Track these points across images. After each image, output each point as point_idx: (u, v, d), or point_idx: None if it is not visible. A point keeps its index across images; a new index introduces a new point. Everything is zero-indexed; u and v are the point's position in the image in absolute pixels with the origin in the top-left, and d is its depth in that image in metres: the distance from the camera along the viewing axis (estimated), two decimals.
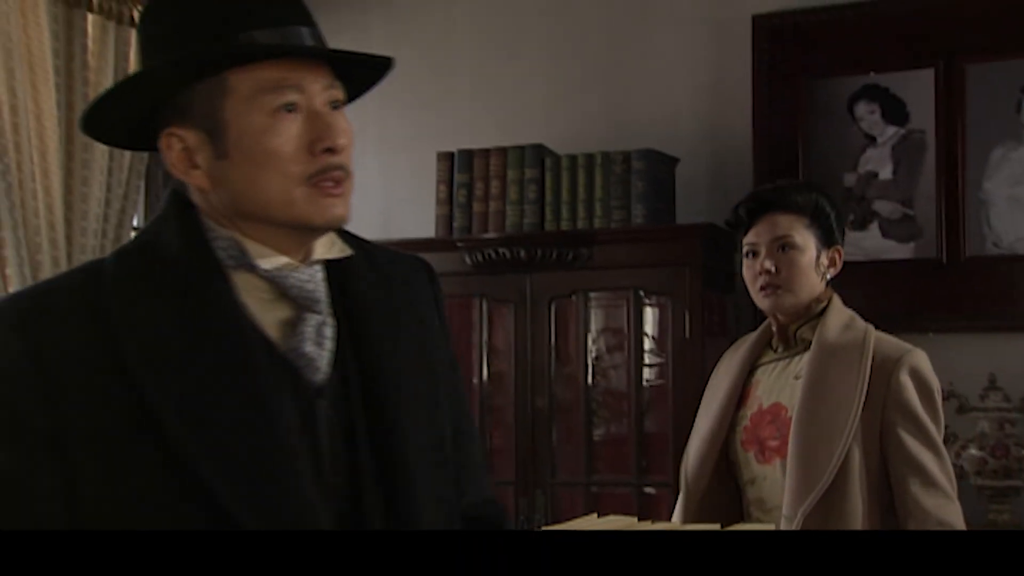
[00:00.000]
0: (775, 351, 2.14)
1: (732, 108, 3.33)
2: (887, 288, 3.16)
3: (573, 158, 3.23)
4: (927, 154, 3.13)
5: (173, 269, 1.14)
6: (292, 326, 1.16)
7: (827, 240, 2.12)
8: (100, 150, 2.97)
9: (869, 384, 1.98)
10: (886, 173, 3.18)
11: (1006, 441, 2.86)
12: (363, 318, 1.21)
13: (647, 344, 3.14)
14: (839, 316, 2.08)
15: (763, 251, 2.08)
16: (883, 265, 3.16)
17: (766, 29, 3.30)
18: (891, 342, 2.05)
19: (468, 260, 3.23)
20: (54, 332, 1.10)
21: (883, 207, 3.18)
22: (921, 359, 2.03)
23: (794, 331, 2.10)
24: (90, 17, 3.02)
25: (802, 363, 2.06)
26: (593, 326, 3.19)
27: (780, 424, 2.04)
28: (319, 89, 1.15)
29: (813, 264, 2.09)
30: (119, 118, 1.19)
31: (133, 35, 3.15)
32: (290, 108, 1.13)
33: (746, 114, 3.29)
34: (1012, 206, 3.05)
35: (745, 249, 2.13)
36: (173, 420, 1.07)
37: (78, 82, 2.91)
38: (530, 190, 3.24)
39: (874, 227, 3.18)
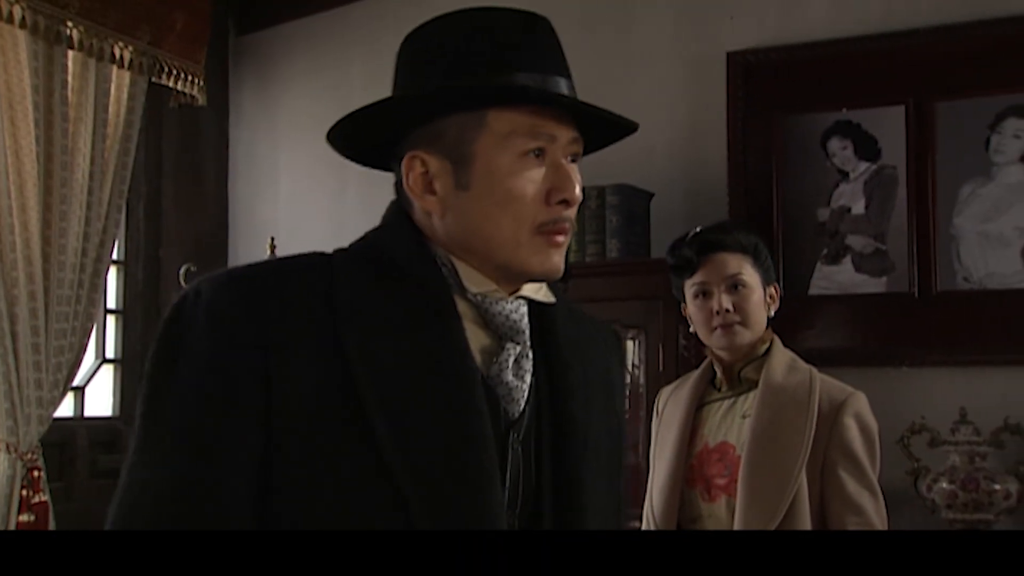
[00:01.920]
0: (719, 390, 2.15)
1: (707, 143, 3.36)
2: (860, 322, 3.19)
3: None
4: (899, 190, 3.16)
5: (400, 274, 1.16)
6: (492, 355, 1.17)
7: (767, 278, 2.15)
8: (79, 185, 2.98)
9: (816, 425, 2.01)
10: (859, 208, 3.21)
11: (976, 475, 2.87)
12: (562, 363, 1.21)
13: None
14: (782, 357, 2.11)
15: (716, 290, 2.10)
16: (856, 299, 3.18)
17: (741, 65, 3.34)
18: (834, 384, 2.08)
19: None
20: (281, 309, 1.10)
21: (856, 242, 3.21)
22: (863, 402, 2.06)
23: (738, 371, 2.12)
24: (71, 54, 3.02)
25: (748, 403, 2.08)
26: None
27: (728, 462, 2.06)
28: (565, 141, 1.18)
29: (762, 301, 2.12)
30: (369, 133, 1.22)
31: (114, 71, 3.18)
32: (538, 154, 1.16)
33: (721, 149, 3.32)
34: (982, 242, 3.07)
35: (694, 290, 2.14)
36: (379, 416, 1.07)
37: (57, 118, 2.92)
38: None
39: (847, 261, 3.21)
